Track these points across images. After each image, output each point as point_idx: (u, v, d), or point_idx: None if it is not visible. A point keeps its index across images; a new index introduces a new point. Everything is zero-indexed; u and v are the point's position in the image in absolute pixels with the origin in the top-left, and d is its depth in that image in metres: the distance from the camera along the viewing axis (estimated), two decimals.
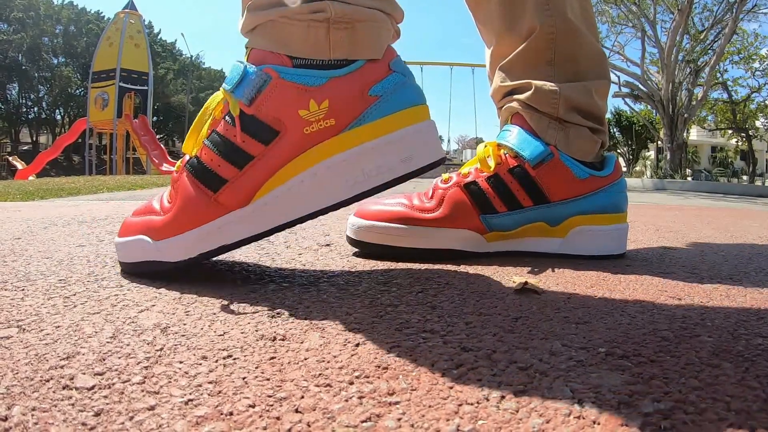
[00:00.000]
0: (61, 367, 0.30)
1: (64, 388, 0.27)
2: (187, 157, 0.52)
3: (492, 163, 0.66)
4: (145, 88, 15.01)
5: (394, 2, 0.52)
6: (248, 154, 0.48)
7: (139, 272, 0.52)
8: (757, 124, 16.44)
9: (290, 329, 0.37)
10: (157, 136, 17.23)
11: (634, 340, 0.35)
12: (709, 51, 10.87)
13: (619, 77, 11.48)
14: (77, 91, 27.24)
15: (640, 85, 10.86)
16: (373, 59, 0.49)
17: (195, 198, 0.49)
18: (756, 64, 13.37)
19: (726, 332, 0.37)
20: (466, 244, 0.65)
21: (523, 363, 0.31)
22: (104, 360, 0.31)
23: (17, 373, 0.29)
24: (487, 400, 0.26)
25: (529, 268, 0.60)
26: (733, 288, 0.52)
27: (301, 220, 0.48)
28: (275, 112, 0.47)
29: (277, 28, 0.48)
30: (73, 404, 0.25)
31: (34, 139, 27.79)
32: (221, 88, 0.50)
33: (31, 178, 11.79)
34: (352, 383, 0.28)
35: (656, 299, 0.46)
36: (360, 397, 0.27)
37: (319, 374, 0.29)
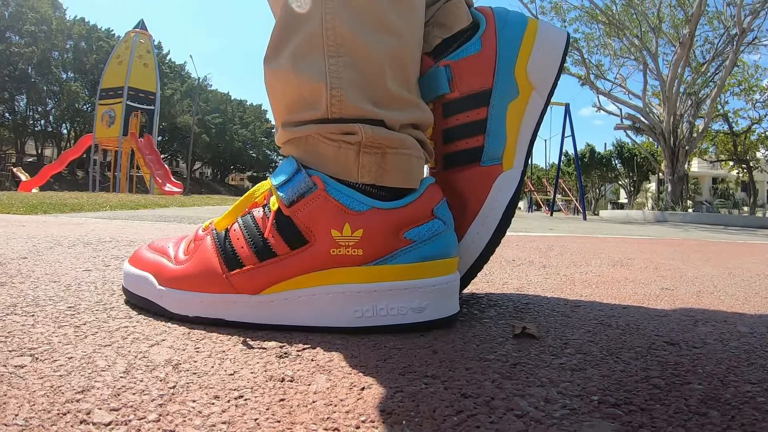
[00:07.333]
0: (77, 400, 0.30)
1: (81, 422, 0.28)
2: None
3: None
4: (152, 107, 15.13)
5: (423, 109, 0.53)
6: (272, 250, 0.48)
7: (137, 304, 0.53)
8: (758, 155, 16.51)
9: (298, 370, 0.38)
10: (162, 156, 17.33)
11: (626, 388, 0.36)
12: (711, 83, 10.95)
13: (621, 109, 11.59)
14: (84, 107, 27.56)
15: (642, 118, 10.93)
16: (417, 198, 0.50)
17: (209, 266, 0.50)
18: (756, 96, 13.49)
19: (716, 379, 0.38)
20: None
21: (520, 411, 0.32)
22: (119, 395, 0.31)
23: (34, 405, 0.29)
24: None
25: (528, 313, 0.61)
26: (727, 332, 0.53)
27: (299, 328, 0.48)
28: (310, 222, 0.48)
29: (311, 144, 0.50)
30: None
31: (40, 151, 28.00)
32: (268, 179, 0.51)
33: (34, 190, 11.84)
34: (358, 427, 0.29)
35: (651, 344, 0.47)
36: None
37: (327, 417, 0.30)
